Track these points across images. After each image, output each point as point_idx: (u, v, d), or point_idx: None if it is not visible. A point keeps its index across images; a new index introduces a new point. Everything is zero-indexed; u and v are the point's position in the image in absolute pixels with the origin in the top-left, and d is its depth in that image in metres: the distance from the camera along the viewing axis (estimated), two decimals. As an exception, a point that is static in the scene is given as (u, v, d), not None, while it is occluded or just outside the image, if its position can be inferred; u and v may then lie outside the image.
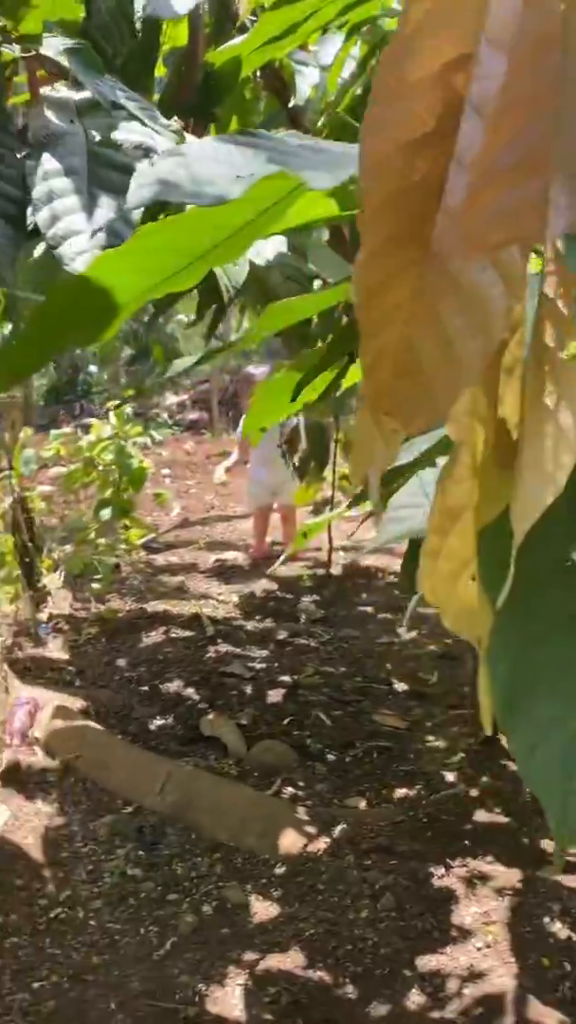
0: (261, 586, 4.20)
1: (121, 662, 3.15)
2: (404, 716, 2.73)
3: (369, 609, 3.86)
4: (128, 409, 12.30)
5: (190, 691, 2.90)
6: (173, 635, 3.45)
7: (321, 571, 4.40)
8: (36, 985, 1.63)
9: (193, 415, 11.44)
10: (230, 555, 4.79)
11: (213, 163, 0.69)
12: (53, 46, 1.40)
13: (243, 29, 2.19)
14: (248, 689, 2.91)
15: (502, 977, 1.60)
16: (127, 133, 1.36)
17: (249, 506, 4.82)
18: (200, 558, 4.73)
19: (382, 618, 3.73)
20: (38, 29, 1.40)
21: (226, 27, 2.29)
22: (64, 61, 1.37)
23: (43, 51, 1.38)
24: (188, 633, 3.48)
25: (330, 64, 2.35)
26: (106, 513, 3.44)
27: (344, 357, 1.31)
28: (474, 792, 2.24)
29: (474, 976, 1.61)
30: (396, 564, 4.59)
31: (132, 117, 1.42)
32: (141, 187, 0.65)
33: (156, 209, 1.44)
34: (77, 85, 1.48)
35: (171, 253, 0.98)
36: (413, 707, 2.82)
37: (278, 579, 4.32)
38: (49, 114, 1.38)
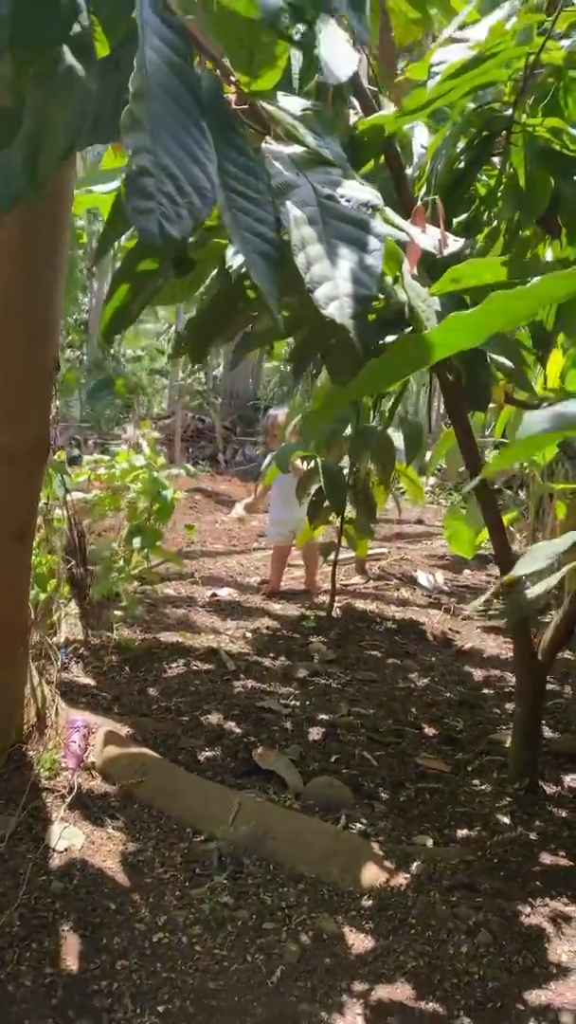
0: (264, 623, 4.24)
1: (153, 691, 3.15)
2: (444, 759, 2.81)
3: (377, 654, 3.94)
4: (89, 442, 12.19)
5: (231, 724, 2.91)
6: (194, 667, 3.46)
7: (321, 613, 4.47)
8: (161, 1008, 1.63)
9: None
10: (224, 591, 4.83)
11: None
12: (289, 105, 1.50)
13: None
14: (288, 725, 2.94)
15: (611, 1012, 1.68)
16: (351, 190, 1.45)
17: (269, 543, 4.94)
18: (196, 592, 4.74)
19: (392, 663, 3.82)
20: (270, 86, 1.49)
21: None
22: (296, 122, 1.46)
23: (278, 108, 1.48)
24: (208, 666, 3.50)
25: (429, 142, 2.54)
26: (137, 541, 3.45)
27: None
28: (532, 835, 2.33)
29: (584, 1011, 1.69)
30: (390, 610, 4.72)
31: (348, 176, 1.52)
32: None
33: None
34: (282, 141, 1.58)
35: (500, 317, 1.09)
36: (448, 751, 2.91)
37: (280, 618, 4.38)
38: (277, 164, 1.47)
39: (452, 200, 2.50)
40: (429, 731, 3.08)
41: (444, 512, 7.66)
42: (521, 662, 2.61)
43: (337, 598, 4.67)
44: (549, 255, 3.08)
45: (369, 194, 1.45)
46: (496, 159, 2.69)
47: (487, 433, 6.13)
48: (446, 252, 1.85)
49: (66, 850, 2.07)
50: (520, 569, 1.81)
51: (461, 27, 1.94)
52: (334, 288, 1.30)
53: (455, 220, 2.75)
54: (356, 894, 2.04)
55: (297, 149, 1.55)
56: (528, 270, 1.91)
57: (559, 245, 2.78)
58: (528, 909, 1.99)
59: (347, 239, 1.38)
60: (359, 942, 1.88)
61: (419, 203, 1.95)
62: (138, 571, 3.84)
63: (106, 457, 3.70)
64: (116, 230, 1.57)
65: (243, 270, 1.85)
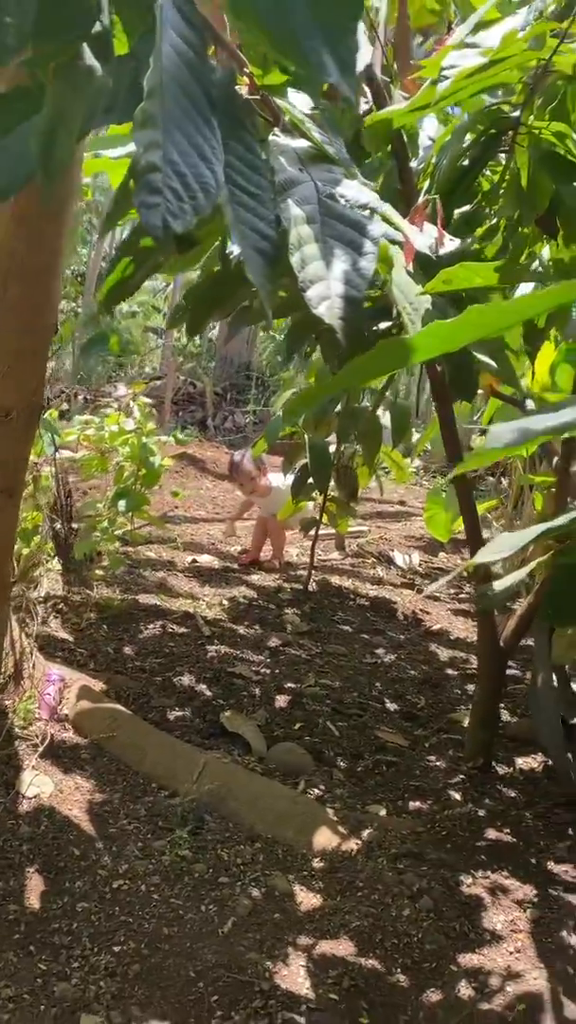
0: (242, 592, 4.33)
1: (128, 650, 3.24)
2: (403, 735, 2.93)
3: (348, 628, 4.05)
4: (79, 397, 12.14)
5: (202, 687, 3.01)
6: (170, 630, 3.55)
7: (297, 586, 4.57)
8: (117, 949, 1.73)
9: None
10: (204, 558, 4.91)
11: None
12: (298, 102, 1.55)
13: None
14: (256, 692, 3.04)
15: (537, 980, 1.80)
16: (351, 191, 1.51)
17: (261, 513, 5.02)
18: (176, 556, 4.82)
19: (362, 639, 3.93)
20: (281, 81, 1.54)
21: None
22: (304, 116, 1.52)
23: (287, 103, 1.53)
24: (184, 630, 3.59)
25: (437, 135, 2.58)
26: (122, 504, 3.51)
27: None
28: (481, 812, 2.45)
29: (512, 976, 1.80)
30: (365, 588, 4.82)
31: (349, 174, 1.58)
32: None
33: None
34: (288, 134, 1.63)
35: (477, 329, 1.16)
36: (408, 727, 3.02)
37: (257, 588, 4.47)
38: (281, 160, 1.52)
39: (455, 195, 2.55)
40: (391, 706, 3.19)
41: (426, 494, 7.75)
42: (484, 647, 2.72)
43: (314, 572, 4.77)
44: (546, 253, 3.14)
45: (368, 196, 1.51)
46: (502, 156, 2.74)
47: (475, 418, 6.21)
48: (442, 252, 1.91)
49: (35, 797, 2.17)
50: (481, 557, 1.89)
51: (474, 30, 1.98)
52: (327, 289, 1.37)
53: (457, 211, 2.80)
54: (309, 856, 2.15)
55: (303, 143, 1.60)
56: (517, 276, 1.99)
57: (556, 245, 2.84)
58: (470, 879, 2.11)
59: (343, 240, 1.44)
60: (308, 900, 2.00)
61: (421, 200, 2.01)
62: (121, 532, 3.91)
63: (96, 419, 3.75)
64: (123, 208, 1.62)
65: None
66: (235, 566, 4.85)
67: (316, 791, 2.46)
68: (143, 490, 3.64)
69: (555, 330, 3.47)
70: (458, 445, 2.78)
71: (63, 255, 2.41)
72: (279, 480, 4.86)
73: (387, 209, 1.76)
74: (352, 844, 2.19)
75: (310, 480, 4.30)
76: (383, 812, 2.41)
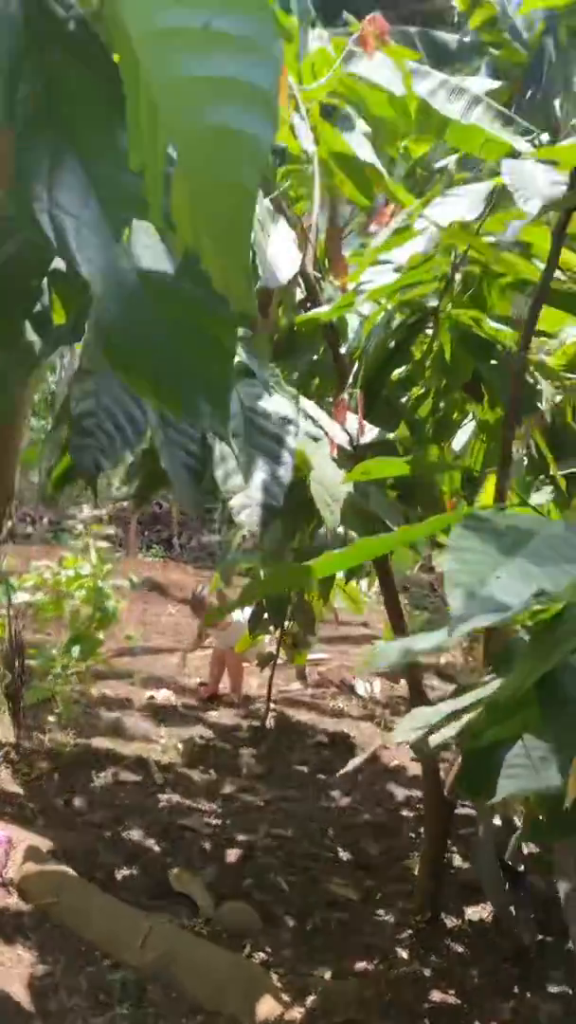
0: (198, 732, 4.35)
1: (78, 803, 3.24)
2: (354, 886, 2.94)
3: (304, 769, 4.07)
4: (44, 519, 12.14)
5: (151, 842, 3.01)
6: (122, 778, 3.56)
7: (255, 723, 4.60)
8: None
9: (109, 530, 11.54)
10: (162, 694, 4.93)
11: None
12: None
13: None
14: (207, 845, 3.05)
15: None
16: (272, 404, 1.69)
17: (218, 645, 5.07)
18: (133, 693, 4.84)
19: (318, 780, 3.95)
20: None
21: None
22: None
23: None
24: (136, 777, 3.60)
25: (366, 317, 2.82)
26: (76, 650, 3.58)
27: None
28: (427, 971, 2.46)
29: None
30: (323, 722, 4.85)
31: (266, 387, 1.76)
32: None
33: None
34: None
35: (367, 554, 1.31)
36: (360, 877, 3.03)
37: (215, 726, 4.49)
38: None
39: (386, 369, 2.77)
40: (344, 855, 3.20)
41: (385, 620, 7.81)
42: (430, 798, 2.78)
43: (273, 706, 4.80)
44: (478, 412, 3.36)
45: (287, 408, 1.69)
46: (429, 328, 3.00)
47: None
48: (363, 440, 2.09)
49: (-25, 972, 2.16)
50: (399, 735, 1.98)
51: (389, 243, 2.23)
52: (247, 498, 1.53)
53: (396, 371, 3.01)
54: (251, 1027, 2.15)
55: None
56: (426, 467, 2.18)
57: (482, 408, 3.08)
58: (412, 1050, 2.12)
59: (263, 450, 1.61)
60: (249, 1079, 1.99)
61: (344, 395, 2.20)
62: (74, 672, 3.96)
63: (54, 564, 3.86)
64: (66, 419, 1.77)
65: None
66: (193, 701, 4.87)
67: (262, 954, 2.46)
68: (98, 633, 3.72)
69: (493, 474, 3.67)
70: (401, 615, 2.92)
71: (21, 427, 2.57)
72: (237, 614, 4.94)
73: (310, 408, 1.96)
74: (295, 1013, 2.19)
75: (267, 615, 4.41)
76: (329, 974, 2.41)
